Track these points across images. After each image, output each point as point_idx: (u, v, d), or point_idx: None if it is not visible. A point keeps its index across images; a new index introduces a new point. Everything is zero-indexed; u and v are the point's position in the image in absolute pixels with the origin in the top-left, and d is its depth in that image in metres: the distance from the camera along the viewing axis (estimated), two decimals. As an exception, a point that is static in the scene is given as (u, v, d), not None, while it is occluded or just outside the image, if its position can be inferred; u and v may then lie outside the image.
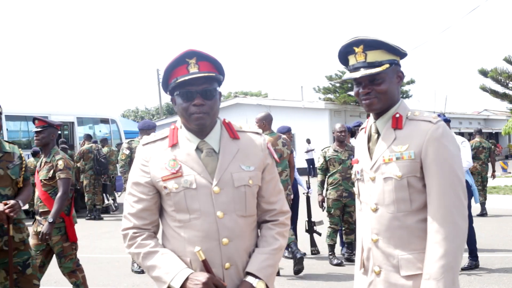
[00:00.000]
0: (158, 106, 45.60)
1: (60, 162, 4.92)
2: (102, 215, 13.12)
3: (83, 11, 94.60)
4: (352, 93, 29.85)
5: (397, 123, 2.14)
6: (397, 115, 2.15)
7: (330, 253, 7.16)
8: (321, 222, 7.77)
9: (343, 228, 7.32)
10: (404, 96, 29.87)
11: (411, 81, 29.84)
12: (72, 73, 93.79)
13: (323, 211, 7.34)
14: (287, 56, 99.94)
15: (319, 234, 7.81)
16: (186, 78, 2.06)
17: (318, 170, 7.34)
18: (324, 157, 7.24)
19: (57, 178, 4.90)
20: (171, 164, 2.09)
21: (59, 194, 4.84)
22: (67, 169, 4.92)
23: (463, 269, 6.29)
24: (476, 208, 11.19)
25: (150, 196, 2.12)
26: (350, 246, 7.30)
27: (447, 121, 6.46)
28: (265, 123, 6.75)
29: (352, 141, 7.86)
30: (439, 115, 6.49)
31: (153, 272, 2.06)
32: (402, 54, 2.18)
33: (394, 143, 2.12)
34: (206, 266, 2.04)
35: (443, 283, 1.94)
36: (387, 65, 2.14)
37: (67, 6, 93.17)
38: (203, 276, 2.00)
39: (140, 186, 2.12)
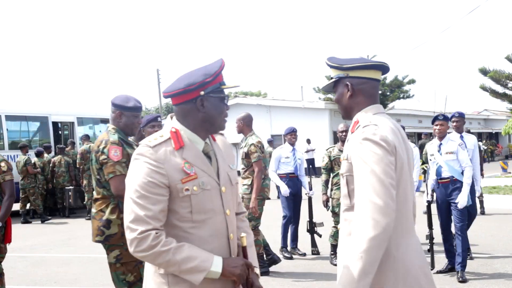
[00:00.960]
0: (158, 106, 45.61)
1: (3, 164, 4.70)
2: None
3: (83, 11, 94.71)
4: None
5: (352, 127, 2.39)
6: (355, 120, 2.38)
7: (332, 252, 7.15)
8: (321, 224, 7.83)
9: None
10: (405, 96, 29.82)
11: (411, 81, 29.78)
12: (72, 73, 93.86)
13: (327, 210, 7.29)
14: (287, 56, 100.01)
15: (320, 236, 7.83)
16: (236, 86, 2.29)
17: (322, 170, 7.33)
18: (329, 156, 7.22)
19: (2, 180, 4.68)
20: (187, 166, 2.15)
21: (6, 197, 4.63)
22: (9, 170, 4.71)
23: (440, 271, 6.35)
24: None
25: (167, 197, 2.12)
26: None
27: (446, 118, 6.43)
28: (243, 123, 6.66)
29: None
30: (441, 115, 6.42)
31: (187, 264, 2.07)
32: (345, 68, 2.39)
33: (346, 145, 2.39)
34: (244, 252, 2.26)
35: (351, 269, 2.08)
36: (333, 80, 2.46)
37: (67, 6, 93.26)
38: (238, 259, 2.20)
39: (157, 188, 2.09)
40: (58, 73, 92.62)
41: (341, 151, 7.17)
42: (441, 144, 6.31)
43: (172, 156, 2.15)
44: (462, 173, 6.20)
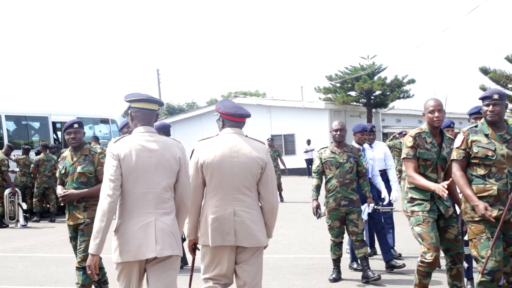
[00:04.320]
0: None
1: None
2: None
3: (83, 11, 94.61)
4: (352, 93, 29.85)
5: None
6: None
7: (334, 267, 6.33)
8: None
9: (353, 241, 6.32)
10: (405, 96, 29.88)
11: (411, 81, 29.79)
12: (72, 73, 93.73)
13: (317, 218, 6.38)
14: (287, 56, 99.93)
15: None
16: None
17: (313, 174, 6.36)
18: (320, 158, 6.27)
19: None
20: None
21: None
22: None
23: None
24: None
25: None
26: (365, 260, 6.17)
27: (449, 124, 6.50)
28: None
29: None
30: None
31: None
32: (127, 101, 3.60)
33: None
34: None
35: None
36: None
37: (67, 6, 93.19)
38: None
39: None
40: (58, 73, 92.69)
41: (333, 152, 6.26)
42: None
43: None
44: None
